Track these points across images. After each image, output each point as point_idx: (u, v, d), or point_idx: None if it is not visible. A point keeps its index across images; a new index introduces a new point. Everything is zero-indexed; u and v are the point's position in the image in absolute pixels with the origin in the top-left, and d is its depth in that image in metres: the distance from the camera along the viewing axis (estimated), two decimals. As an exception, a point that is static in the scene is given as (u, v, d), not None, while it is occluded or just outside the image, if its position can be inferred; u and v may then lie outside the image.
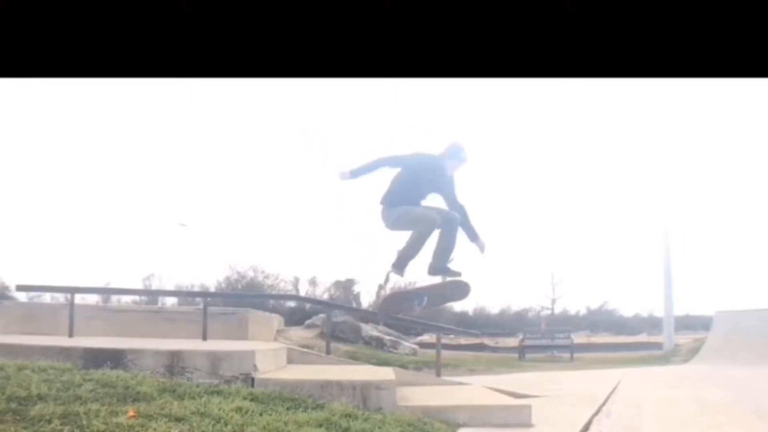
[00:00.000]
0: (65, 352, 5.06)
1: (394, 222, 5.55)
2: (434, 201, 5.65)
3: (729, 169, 46.28)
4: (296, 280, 33.99)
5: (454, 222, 5.51)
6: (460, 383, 7.79)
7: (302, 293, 32.18)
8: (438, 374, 8.31)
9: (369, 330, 17.49)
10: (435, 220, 5.42)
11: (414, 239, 5.47)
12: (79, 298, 8.59)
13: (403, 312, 6.09)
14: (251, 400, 4.42)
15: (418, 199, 5.55)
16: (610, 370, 14.58)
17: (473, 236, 5.61)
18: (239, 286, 29.51)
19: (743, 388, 9.10)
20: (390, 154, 5.60)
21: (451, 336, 21.90)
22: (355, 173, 5.49)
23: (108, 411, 3.65)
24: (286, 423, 3.96)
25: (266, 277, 31.65)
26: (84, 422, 3.41)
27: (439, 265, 5.56)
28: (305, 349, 8.99)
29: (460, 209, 5.58)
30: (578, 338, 26.19)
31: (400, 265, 5.55)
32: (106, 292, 20.75)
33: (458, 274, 5.59)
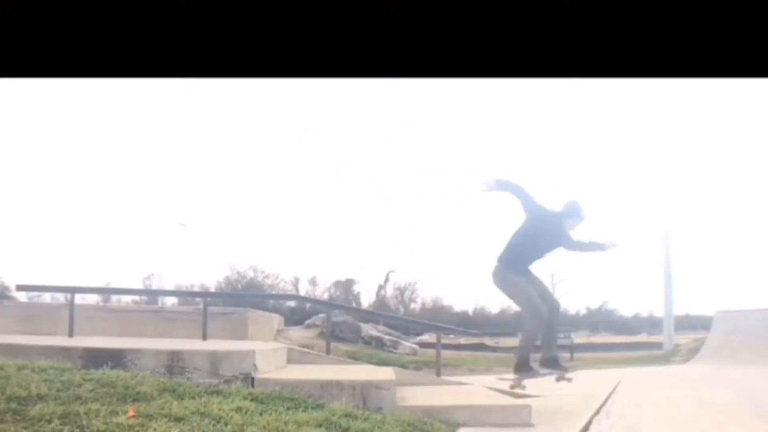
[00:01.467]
0: (65, 352, 5.06)
1: (505, 287, 5.81)
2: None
3: (729, 170, 46.27)
4: (296, 280, 34.03)
5: (555, 311, 5.82)
6: (460, 383, 7.79)
7: (302, 293, 32.22)
8: (438, 374, 8.31)
9: (369, 330, 17.49)
10: (542, 314, 5.62)
11: (527, 337, 5.84)
12: (79, 298, 8.60)
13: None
14: (251, 400, 4.42)
15: (533, 258, 5.79)
16: (610, 370, 14.58)
17: (598, 247, 5.91)
18: (239, 286, 29.52)
19: (743, 388, 9.09)
20: (533, 198, 5.82)
21: (451, 336, 21.90)
22: (500, 185, 5.75)
23: (108, 411, 3.65)
24: (286, 423, 3.96)
25: (266, 277, 31.70)
26: (84, 422, 3.41)
27: (548, 357, 5.85)
28: (305, 349, 8.99)
29: (577, 245, 5.85)
30: (578, 338, 26.18)
31: (524, 364, 5.84)
32: (106, 292, 20.75)
33: (564, 370, 5.88)
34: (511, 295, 5.83)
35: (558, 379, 5.91)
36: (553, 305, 5.81)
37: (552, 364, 5.82)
